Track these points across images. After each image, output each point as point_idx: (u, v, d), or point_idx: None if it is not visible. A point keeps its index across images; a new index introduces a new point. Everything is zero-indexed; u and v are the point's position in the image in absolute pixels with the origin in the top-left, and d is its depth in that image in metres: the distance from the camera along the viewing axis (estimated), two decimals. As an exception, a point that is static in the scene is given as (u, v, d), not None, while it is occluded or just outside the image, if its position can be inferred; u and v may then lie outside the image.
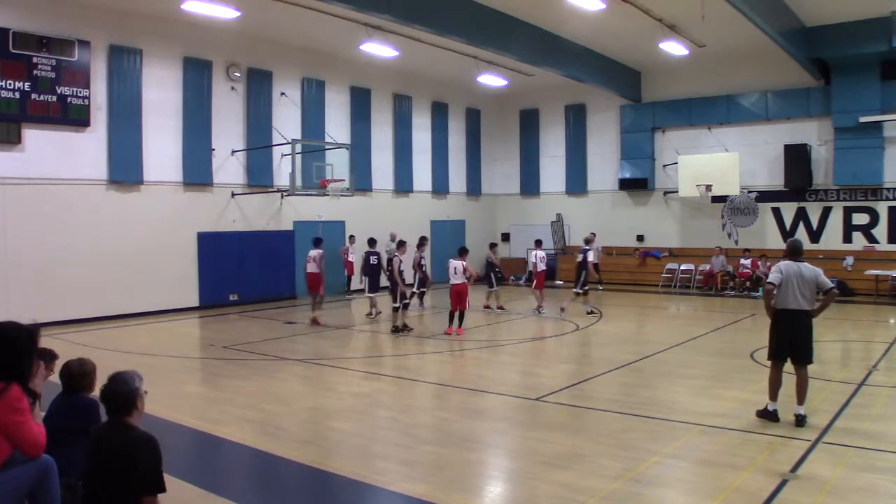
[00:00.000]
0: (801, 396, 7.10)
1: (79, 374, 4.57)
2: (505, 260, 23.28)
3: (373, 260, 15.07)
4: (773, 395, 7.22)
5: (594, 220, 23.66)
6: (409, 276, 14.93)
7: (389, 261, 14.04)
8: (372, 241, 15.30)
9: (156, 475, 3.64)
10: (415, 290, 15.57)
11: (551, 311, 15.95)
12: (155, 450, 3.65)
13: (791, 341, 7.15)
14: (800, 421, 6.99)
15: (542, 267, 16.24)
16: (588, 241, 16.64)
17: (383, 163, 22.09)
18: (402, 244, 14.06)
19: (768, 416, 7.16)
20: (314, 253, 14.87)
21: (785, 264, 7.16)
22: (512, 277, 23.23)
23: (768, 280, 7.19)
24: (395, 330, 13.38)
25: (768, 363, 7.42)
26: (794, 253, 7.30)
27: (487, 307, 16.67)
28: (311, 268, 14.82)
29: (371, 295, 15.16)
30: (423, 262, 15.06)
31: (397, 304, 13.43)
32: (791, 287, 7.07)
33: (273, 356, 11.43)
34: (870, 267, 18.57)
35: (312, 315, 14.73)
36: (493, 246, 17.82)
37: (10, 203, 13.76)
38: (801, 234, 20.41)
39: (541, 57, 18.12)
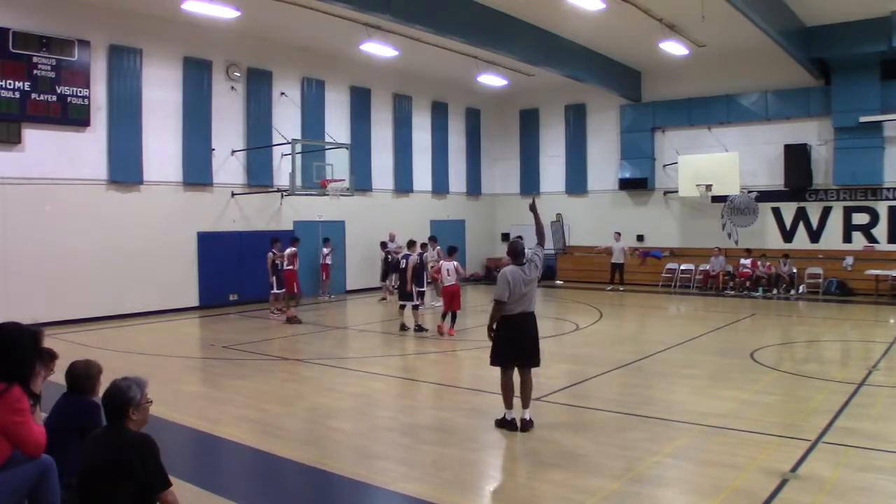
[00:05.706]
0: (529, 399, 7.03)
1: (83, 375, 4.53)
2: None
3: (277, 261, 15.66)
4: (510, 402, 7.01)
5: (594, 220, 23.70)
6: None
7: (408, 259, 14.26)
8: (273, 241, 15.88)
9: (158, 472, 3.65)
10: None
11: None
12: (149, 448, 3.65)
13: (523, 345, 7.03)
14: (529, 425, 6.90)
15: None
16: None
17: (383, 163, 22.09)
18: (412, 244, 14.53)
19: (507, 425, 6.93)
20: (289, 251, 15.59)
21: (510, 272, 6.96)
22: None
23: (496, 298, 6.89)
24: (419, 328, 13.48)
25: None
26: (518, 255, 7.14)
27: None
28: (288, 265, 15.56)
29: (279, 291, 15.70)
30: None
31: (417, 303, 13.72)
32: (518, 292, 6.93)
33: (273, 356, 11.44)
34: (870, 267, 18.56)
35: (292, 313, 15.20)
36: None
37: (10, 203, 13.75)
38: (801, 233, 20.44)
39: (541, 57, 18.10)
